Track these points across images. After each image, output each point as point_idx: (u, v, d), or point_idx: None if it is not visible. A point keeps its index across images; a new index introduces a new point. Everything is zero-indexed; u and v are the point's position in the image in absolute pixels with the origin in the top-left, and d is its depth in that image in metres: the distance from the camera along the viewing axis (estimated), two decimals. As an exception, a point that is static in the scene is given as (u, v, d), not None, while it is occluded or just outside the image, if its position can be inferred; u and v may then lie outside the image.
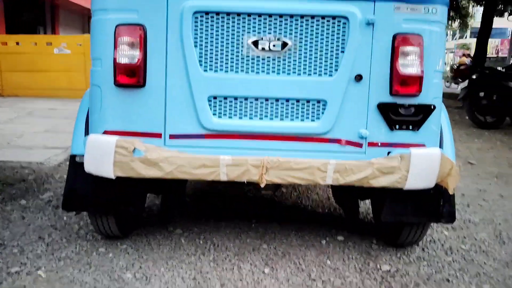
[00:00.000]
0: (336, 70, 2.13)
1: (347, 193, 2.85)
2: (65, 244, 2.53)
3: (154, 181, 2.61)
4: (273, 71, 2.13)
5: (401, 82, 2.09)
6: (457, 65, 16.65)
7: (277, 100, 2.16)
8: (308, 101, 2.16)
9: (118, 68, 2.08)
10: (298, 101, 2.16)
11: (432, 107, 2.15)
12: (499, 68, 8.63)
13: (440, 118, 2.26)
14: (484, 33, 12.13)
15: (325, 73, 2.13)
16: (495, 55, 30.46)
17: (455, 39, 38.31)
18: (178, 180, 2.84)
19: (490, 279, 2.30)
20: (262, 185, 2.11)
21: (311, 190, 3.74)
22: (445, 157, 2.13)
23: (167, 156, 2.08)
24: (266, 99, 2.16)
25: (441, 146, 2.29)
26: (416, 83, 2.10)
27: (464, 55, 20.25)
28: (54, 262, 2.31)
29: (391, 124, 2.15)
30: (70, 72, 9.52)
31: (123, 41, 2.08)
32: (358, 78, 2.12)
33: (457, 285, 2.22)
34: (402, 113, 2.13)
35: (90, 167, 2.11)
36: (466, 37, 36.65)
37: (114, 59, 2.08)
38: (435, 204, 2.28)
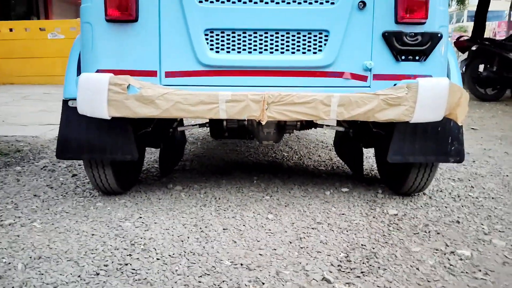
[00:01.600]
0: None
1: (350, 143, 2.78)
2: (61, 200, 2.45)
3: (152, 131, 2.56)
4: (272, 1, 2.02)
5: (407, 8, 2.00)
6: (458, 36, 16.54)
7: (277, 32, 2.06)
8: (309, 32, 2.07)
9: (108, 2, 1.98)
10: (299, 32, 2.07)
11: (439, 36, 2.05)
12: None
13: (448, 48, 2.16)
14: (481, 15, 11.98)
15: (327, 1, 2.03)
16: (492, 37, 30.26)
17: (452, 23, 38.10)
18: (177, 133, 2.77)
19: (501, 221, 2.23)
20: (263, 122, 2.03)
21: (313, 153, 3.66)
22: (455, 85, 2.04)
23: (163, 92, 2.00)
24: (265, 32, 2.06)
25: (448, 77, 2.19)
26: (422, 9, 2.00)
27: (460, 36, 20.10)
28: (49, 216, 2.23)
29: (397, 55, 2.06)
30: (64, 57, 9.21)
31: None
32: (362, 5, 2.02)
33: (468, 226, 2.15)
34: (408, 42, 2.04)
35: (83, 108, 2.02)
36: (463, 21, 36.46)
37: None
38: (443, 142, 2.19)
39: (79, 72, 2.17)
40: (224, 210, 2.31)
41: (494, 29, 32.24)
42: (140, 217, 2.20)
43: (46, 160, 3.33)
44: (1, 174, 2.98)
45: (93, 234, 2.00)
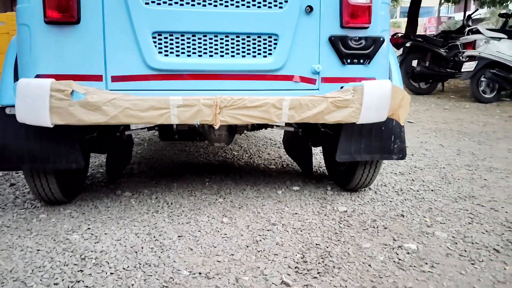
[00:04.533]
0: (286, 1, 2.06)
1: (299, 142, 2.84)
2: (0, 213, 2.29)
3: (98, 137, 2.45)
4: (221, 4, 2.02)
5: (351, 13, 2.08)
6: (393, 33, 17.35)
7: (226, 35, 2.06)
8: (259, 36, 2.09)
9: (47, 2, 1.87)
10: (248, 36, 2.08)
11: (382, 40, 2.16)
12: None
13: (389, 50, 2.27)
14: (413, 12, 12.64)
15: (275, 5, 2.06)
16: (423, 33, 32.06)
17: (386, 18, 39.72)
18: (124, 136, 2.69)
19: (441, 213, 2.38)
20: (216, 126, 2.02)
21: (262, 151, 3.69)
22: (397, 88, 2.16)
23: (110, 98, 1.91)
24: (215, 35, 2.05)
25: (389, 79, 2.31)
26: (365, 13, 2.09)
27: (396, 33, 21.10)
28: (-12, 231, 2.08)
29: (343, 58, 2.14)
30: None
31: None
32: (309, 9, 2.07)
33: (412, 219, 2.28)
34: (353, 46, 2.12)
35: (23, 116, 1.89)
36: (396, 17, 38.20)
37: None
38: (387, 140, 2.31)
39: (16, 78, 2.02)
40: (178, 216, 2.27)
41: (425, 25, 34.19)
42: (89, 228, 2.10)
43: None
44: None
45: (38, 250, 1.89)
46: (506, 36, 7.04)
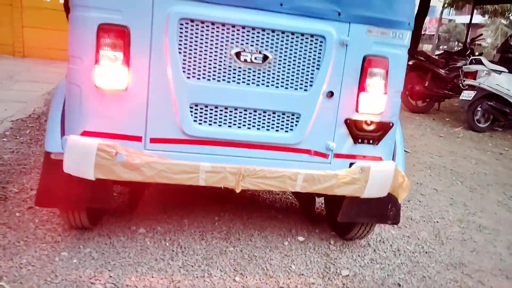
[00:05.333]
0: (311, 85, 2.26)
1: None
2: (23, 248, 2.40)
3: None
4: (253, 83, 2.20)
5: (367, 101, 2.28)
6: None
7: (255, 110, 2.25)
8: (283, 113, 2.28)
9: (99, 70, 2.03)
10: (274, 112, 2.28)
11: (391, 125, 2.38)
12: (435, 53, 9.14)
13: (396, 133, 2.48)
14: (416, 27, 12.67)
15: (301, 88, 2.26)
16: (423, 32, 32.12)
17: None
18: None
19: (434, 283, 2.58)
20: (238, 191, 2.22)
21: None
22: (399, 171, 2.36)
23: (149, 161, 2.09)
24: (245, 109, 2.24)
25: (393, 158, 2.51)
26: (380, 102, 2.30)
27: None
28: (16, 270, 2.20)
29: (355, 138, 2.35)
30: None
31: (105, 42, 2.03)
32: (330, 94, 2.27)
33: (407, 289, 2.47)
34: (365, 129, 2.35)
35: (69, 168, 2.06)
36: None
37: (96, 60, 2.04)
38: (384, 208, 2.54)
39: (63, 128, 2.16)
40: (192, 266, 2.42)
41: (425, 25, 34.16)
42: (110, 276, 2.24)
43: (-7, 181, 3.17)
44: None
45: (65, 300, 2.03)
46: (506, 70, 7.22)
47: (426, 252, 2.95)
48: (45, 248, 2.42)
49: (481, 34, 9.72)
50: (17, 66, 8.14)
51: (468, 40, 9.15)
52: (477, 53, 8.96)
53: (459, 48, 9.16)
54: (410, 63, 8.67)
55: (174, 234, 2.73)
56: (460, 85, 7.50)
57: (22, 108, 5.22)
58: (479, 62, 7.27)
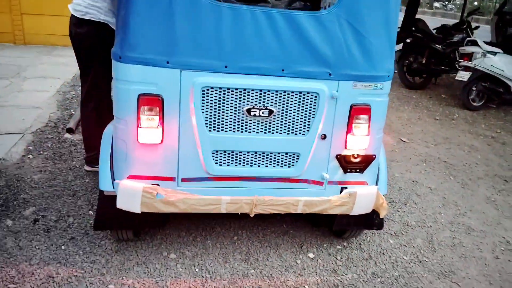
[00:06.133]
0: (308, 131, 2.72)
1: None
2: (75, 283, 2.80)
3: None
4: (262, 132, 2.68)
5: (354, 141, 2.76)
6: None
7: (263, 152, 2.74)
8: (286, 153, 2.78)
9: (141, 130, 2.51)
10: (279, 153, 2.77)
11: (374, 156, 2.85)
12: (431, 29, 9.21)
13: (378, 164, 2.99)
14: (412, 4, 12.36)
15: (300, 133, 2.73)
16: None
17: None
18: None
19: (426, 294, 3.02)
20: (252, 215, 2.78)
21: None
22: (379, 194, 2.92)
23: (182, 198, 2.64)
24: (256, 152, 2.74)
25: (377, 181, 3.04)
26: (365, 141, 2.78)
27: None
28: (74, 308, 2.60)
29: (345, 169, 2.85)
30: None
31: (145, 108, 2.50)
32: (324, 137, 2.75)
33: (403, 302, 2.91)
34: (352, 161, 2.84)
35: (121, 205, 2.63)
36: None
37: (137, 123, 2.51)
38: (370, 218, 3.12)
39: (112, 171, 2.73)
40: (220, 291, 2.84)
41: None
42: (154, 308, 2.66)
43: (32, 208, 3.53)
44: (-3, 235, 3.18)
45: (121, 335, 2.44)
46: (502, 51, 7.42)
47: (420, 262, 3.37)
48: (94, 282, 2.82)
49: (479, 8, 9.75)
50: (20, 57, 8.27)
51: (465, 14, 9.21)
52: (473, 26, 9.07)
53: (456, 22, 9.22)
54: (408, 40, 8.82)
55: (201, 258, 3.13)
56: (456, 66, 7.71)
57: (37, 115, 5.48)
58: (475, 44, 7.45)
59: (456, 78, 7.58)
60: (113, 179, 2.74)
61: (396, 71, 9.11)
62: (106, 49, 3.57)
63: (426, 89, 9.01)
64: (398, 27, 9.66)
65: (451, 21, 9.97)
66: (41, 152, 4.55)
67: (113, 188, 2.71)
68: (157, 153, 2.62)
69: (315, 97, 2.65)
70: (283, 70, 2.56)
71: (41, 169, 4.19)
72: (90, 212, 3.55)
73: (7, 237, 3.17)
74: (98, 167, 4.19)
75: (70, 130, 5.13)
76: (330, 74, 2.61)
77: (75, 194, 3.81)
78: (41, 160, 4.36)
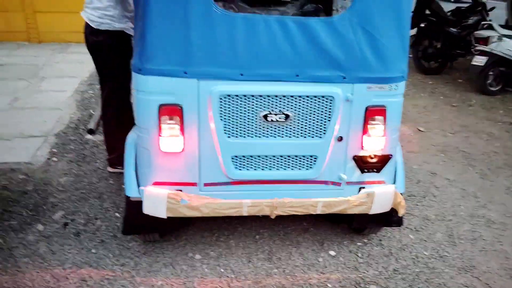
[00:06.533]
0: (324, 133, 2.77)
1: None
2: (108, 286, 2.92)
3: None
4: (279, 136, 2.75)
5: (370, 141, 2.80)
6: None
7: (281, 156, 2.81)
8: (304, 156, 2.84)
9: (162, 139, 2.60)
10: (296, 156, 2.83)
11: (390, 156, 2.89)
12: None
13: (395, 162, 3.01)
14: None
15: (317, 136, 2.78)
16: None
17: None
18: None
19: (448, 290, 3.08)
20: (273, 217, 2.87)
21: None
22: (397, 193, 2.96)
23: (205, 202, 2.74)
24: (274, 156, 2.81)
25: (395, 180, 3.07)
26: (381, 141, 2.82)
27: None
28: (108, 311, 2.73)
29: (362, 169, 2.90)
30: (6, 12, 8.94)
31: (165, 118, 2.58)
32: (340, 138, 2.80)
33: (425, 298, 2.97)
34: (369, 162, 2.89)
35: (148, 210, 2.74)
36: None
37: (159, 132, 2.60)
38: (388, 215, 3.11)
39: (137, 178, 2.83)
40: (246, 291, 2.94)
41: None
42: (184, 309, 2.77)
43: (61, 212, 3.66)
44: (30, 239, 3.32)
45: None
46: (519, 34, 7.28)
47: (441, 257, 3.42)
48: (125, 284, 2.94)
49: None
50: (36, 56, 8.39)
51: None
52: (489, 8, 8.87)
53: (470, 4, 9.04)
54: (422, 25, 8.70)
55: (225, 257, 3.23)
56: (472, 50, 7.59)
57: (59, 117, 5.60)
58: (491, 27, 7.32)
59: (472, 63, 7.47)
60: (138, 185, 2.84)
61: (410, 56, 9.01)
62: (123, 55, 3.65)
63: (442, 74, 8.90)
64: (412, 12, 9.53)
65: (463, 3, 9.76)
66: (65, 154, 4.68)
67: (139, 194, 2.81)
68: (179, 160, 2.70)
69: (330, 100, 2.69)
70: (297, 76, 2.61)
71: (66, 171, 4.32)
72: (117, 214, 3.67)
73: (39, 242, 3.31)
74: (121, 169, 4.31)
75: (91, 131, 5.24)
76: (344, 78, 2.65)
77: (100, 196, 3.93)
78: (66, 163, 4.49)
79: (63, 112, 5.78)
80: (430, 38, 8.71)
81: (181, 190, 2.76)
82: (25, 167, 4.31)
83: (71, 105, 6.06)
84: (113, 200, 3.87)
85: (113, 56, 3.61)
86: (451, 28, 8.55)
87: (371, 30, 2.56)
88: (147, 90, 2.56)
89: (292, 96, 2.65)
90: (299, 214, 2.91)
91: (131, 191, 2.85)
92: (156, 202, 2.72)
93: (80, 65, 8.03)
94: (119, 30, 3.52)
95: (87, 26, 3.58)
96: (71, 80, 7.16)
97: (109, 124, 4.07)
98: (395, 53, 2.67)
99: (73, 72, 7.56)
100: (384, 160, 2.90)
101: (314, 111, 2.71)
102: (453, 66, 9.27)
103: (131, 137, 2.98)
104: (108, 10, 3.44)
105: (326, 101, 2.70)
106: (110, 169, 4.33)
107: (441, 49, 8.62)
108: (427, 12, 8.71)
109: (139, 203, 2.78)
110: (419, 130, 5.98)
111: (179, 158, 2.69)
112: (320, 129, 2.76)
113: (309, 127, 2.75)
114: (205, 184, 2.80)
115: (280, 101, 2.66)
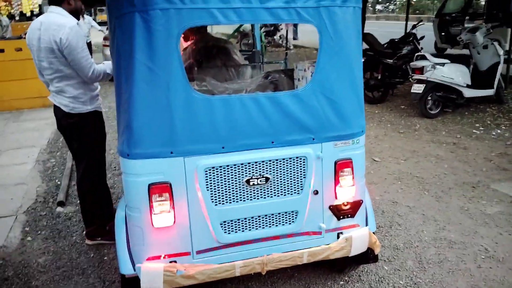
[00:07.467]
0: (301, 189, 3.07)
1: None
2: None
3: None
4: (262, 197, 3.01)
5: (342, 191, 3.14)
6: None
7: (266, 215, 3.07)
8: (286, 212, 3.11)
9: (154, 217, 2.76)
10: (279, 213, 3.10)
11: (361, 201, 3.24)
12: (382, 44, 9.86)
13: (365, 205, 3.36)
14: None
15: (295, 193, 3.07)
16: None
17: None
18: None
19: (426, 315, 3.37)
20: (263, 273, 3.07)
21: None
22: (372, 234, 3.30)
23: (201, 270, 2.89)
24: (258, 216, 3.05)
25: (366, 220, 3.42)
26: (351, 189, 3.17)
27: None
28: None
29: (338, 216, 3.22)
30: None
31: (156, 196, 2.76)
32: (316, 192, 3.11)
33: (408, 327, 3.25)
34: (344, 209, 3.22)
35: (146, 285, 2.82)
36: None
37: (150, 210, 2.76)
38: (366, 254, 3.44)
39: (130, 253, 2.95)
40: None
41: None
42: None
43: (47, 295, 3.64)
44: (20, 330, 3.28)
45: None
46: (449, 61, 8.09)
47: (415, 284, 3.73)
48: None
49: (421, 20, 10.51)
50: (-11, 128, 8.22)
51: (411, 27, 9.93)
52: (419, 37, 9.76)
53: (402, 35, 9.93)
54: (363, 60, 9.38)
55: None
56: (410, 80, 8.31)
57: (25, 192, 5.55)
58: (424, 58, 8.09)
59: (412, 91, 8.17)
60: (132, 262, 2.96)
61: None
62: (98, 132, 3.79)
63: (386, 102, 9.60)
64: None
65: (394, 23, 10.66)
66: (39, 232, 4.64)
67: (134, 271, 2.93)
68: (171, 233, 2.87)
69: (304, 160, 3.01)
70: (272, 142, 2.92)
71: (43, 250, 4.30)
72: (104, 289, 3.70)
73: (30, 330, 3.29)
74: (100, 240, 4.36)
75: (61, 203, 5.23)
76: (313, 139, 2.99)
77: (84, 272, 3.94)
78: (41, 241, 4.46)
79: (28, 187, 5.73)
80: (370, 70, 9.45)
81: (175, 261, 2.90)
82: (1, 251, 4.25)
83: (35, 178, 6.01)
84: (98, 274, 3.90)
85: (88, 134, 3.74)
86: (388, 60, 9.32)
87: (331, 96, 2.92)
88: (137, 173, 2.75)
89: (270, 161, 2.94)
90: (288, 266, 3.13)
91: (126, 269, 2.96)
92: (153, 277, 2.83)
93: (37, 133, 7.96)
94: (92, 110, 3.67)
95: (59, 109, 3.71)
96: (30, 150, 7.10)
97: (85, 200, 4.14)
98: (354, 112, 3.05)
99: (30, 142, 7.49)
100: (356, 205, 3.24)
101: (291, 171, 3.01)
102: (394, 93, 10.03)
103: (120, 214, 3.10)
104: (80, 97, 3.60)
105: (300, 161, 3.01)
106: (88, 242, 4.36)
107: (381, 80, 9.35)
108: (366, 46, 9.47)
109: (134, 279, 2.89)
110: (375, 160, 6.44)
111: (171, 231, 2.85)
112: (298, 186, 3.05)
113: (288, 186, 3.03)
114: (197, 252, 2.96)
115: (259, 166, 2.93)
